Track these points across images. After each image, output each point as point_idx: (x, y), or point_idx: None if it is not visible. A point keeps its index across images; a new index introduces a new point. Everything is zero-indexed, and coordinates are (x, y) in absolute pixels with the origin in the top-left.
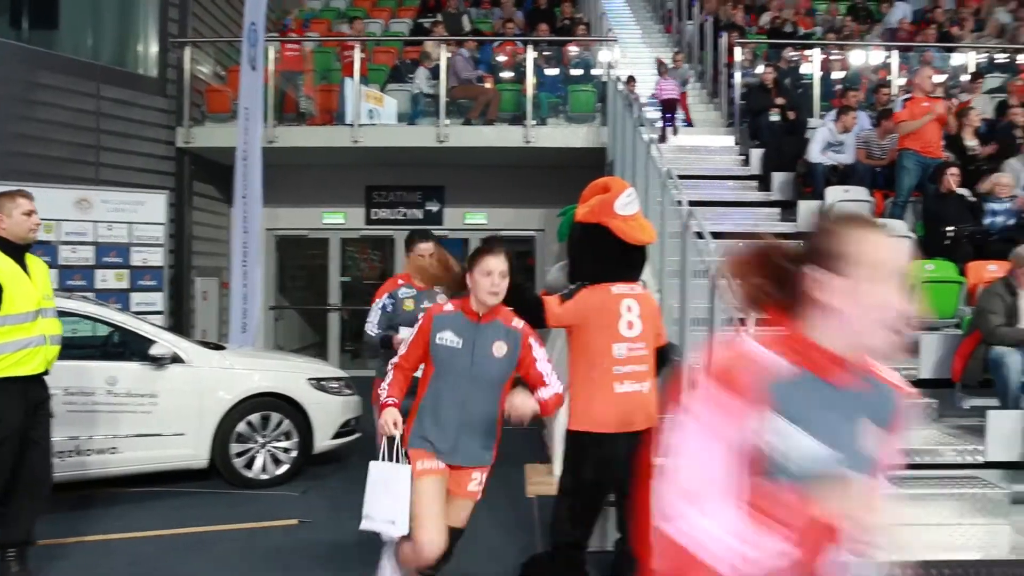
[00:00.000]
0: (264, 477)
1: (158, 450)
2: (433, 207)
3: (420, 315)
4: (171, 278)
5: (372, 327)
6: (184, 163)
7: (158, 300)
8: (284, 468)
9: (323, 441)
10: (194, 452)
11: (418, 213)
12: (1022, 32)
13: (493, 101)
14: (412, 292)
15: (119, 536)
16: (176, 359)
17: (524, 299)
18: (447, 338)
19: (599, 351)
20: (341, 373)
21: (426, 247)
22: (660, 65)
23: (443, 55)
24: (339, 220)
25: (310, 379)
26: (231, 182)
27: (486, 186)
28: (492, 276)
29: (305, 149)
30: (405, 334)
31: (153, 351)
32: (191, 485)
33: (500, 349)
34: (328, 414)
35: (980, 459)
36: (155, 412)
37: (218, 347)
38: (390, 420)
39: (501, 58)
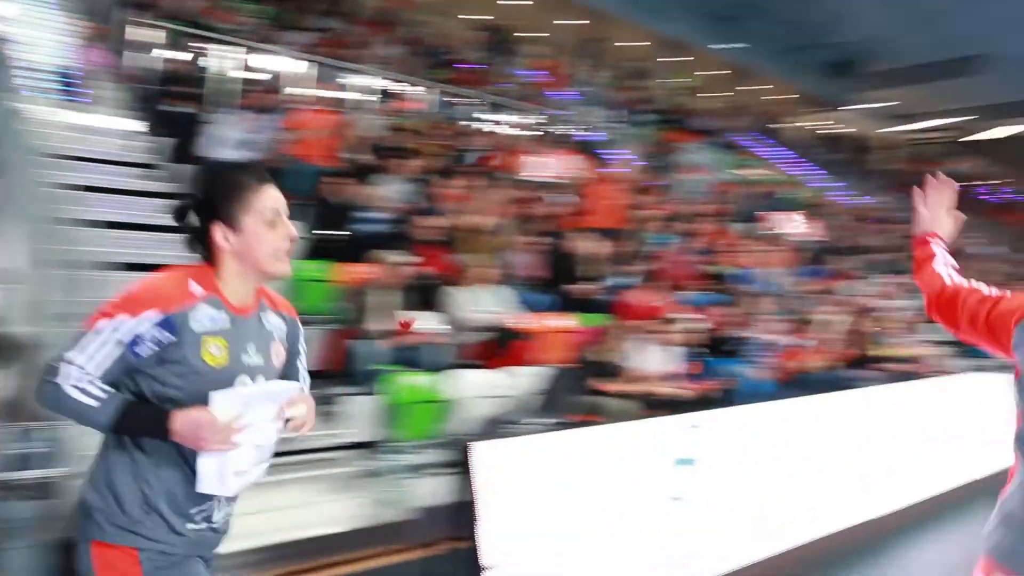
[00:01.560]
0: None
1: None
2: None
3: (243, 376)
4: None
5: (79, 380)
6: None
7: None
8: None
9: None
10: None
11: None
12: (395, 63)
13: None
14: (223, 317)
15: None
16: None
17: None
18: None
19: None
20: None
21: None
22: (102, 33)
23: None
24: None
25: None
26: None
27: None
28: None
29: None
30: (224, 406)
31: None
32: None
33: None
34: None
35: (343, 441)
36: None
37: None
38: None
39: None
